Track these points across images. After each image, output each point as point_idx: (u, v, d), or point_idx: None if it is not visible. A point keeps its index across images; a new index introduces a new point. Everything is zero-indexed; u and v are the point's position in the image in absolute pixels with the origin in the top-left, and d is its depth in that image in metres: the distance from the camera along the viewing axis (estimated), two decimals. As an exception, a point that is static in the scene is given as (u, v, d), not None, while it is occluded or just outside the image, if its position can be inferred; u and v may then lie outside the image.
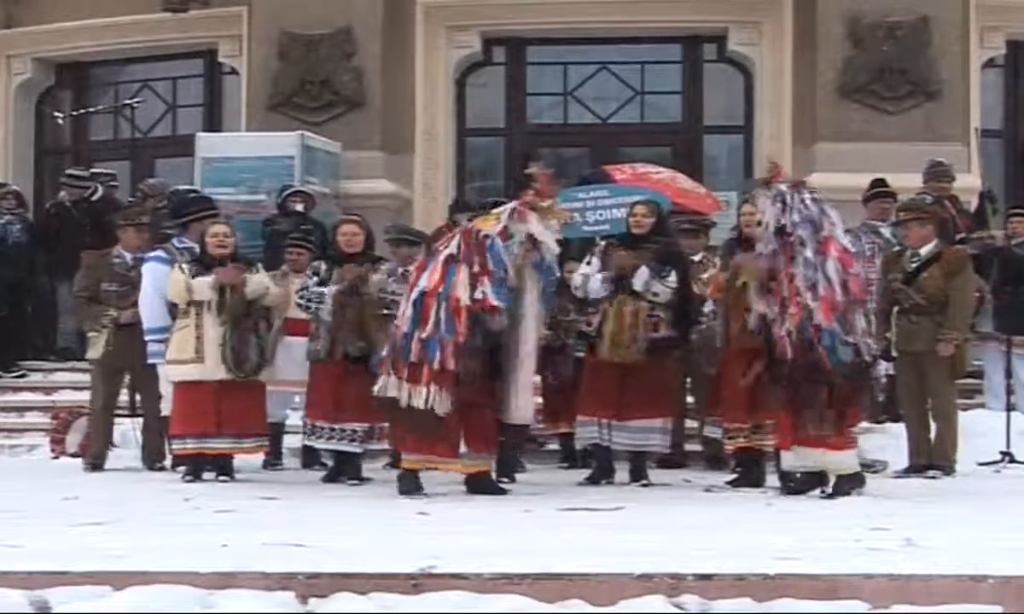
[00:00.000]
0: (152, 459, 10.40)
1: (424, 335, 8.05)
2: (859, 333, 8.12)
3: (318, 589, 4.82)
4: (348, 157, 14.22)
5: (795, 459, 8.31)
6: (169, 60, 16.13)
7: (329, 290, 9.30)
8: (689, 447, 10.58)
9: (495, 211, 8.53)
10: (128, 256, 10.56)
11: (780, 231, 8.12)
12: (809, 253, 8.05)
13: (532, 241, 8.31)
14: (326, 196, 13.76)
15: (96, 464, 10.38)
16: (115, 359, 10.42)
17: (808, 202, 8.19)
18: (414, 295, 8.19)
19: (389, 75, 14.73)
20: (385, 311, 9.13)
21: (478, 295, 8.09)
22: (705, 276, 9.94)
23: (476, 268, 8.14)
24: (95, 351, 10.50)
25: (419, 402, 8.06)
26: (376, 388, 8.26)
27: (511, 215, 8.31)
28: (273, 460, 10.51)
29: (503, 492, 8.54)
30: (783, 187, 8.24)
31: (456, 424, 8.27)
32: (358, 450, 9.47)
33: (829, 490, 8.24)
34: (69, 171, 14.21)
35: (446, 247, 8.31)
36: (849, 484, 8.23)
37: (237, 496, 8.26)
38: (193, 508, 7.64)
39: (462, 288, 8.09)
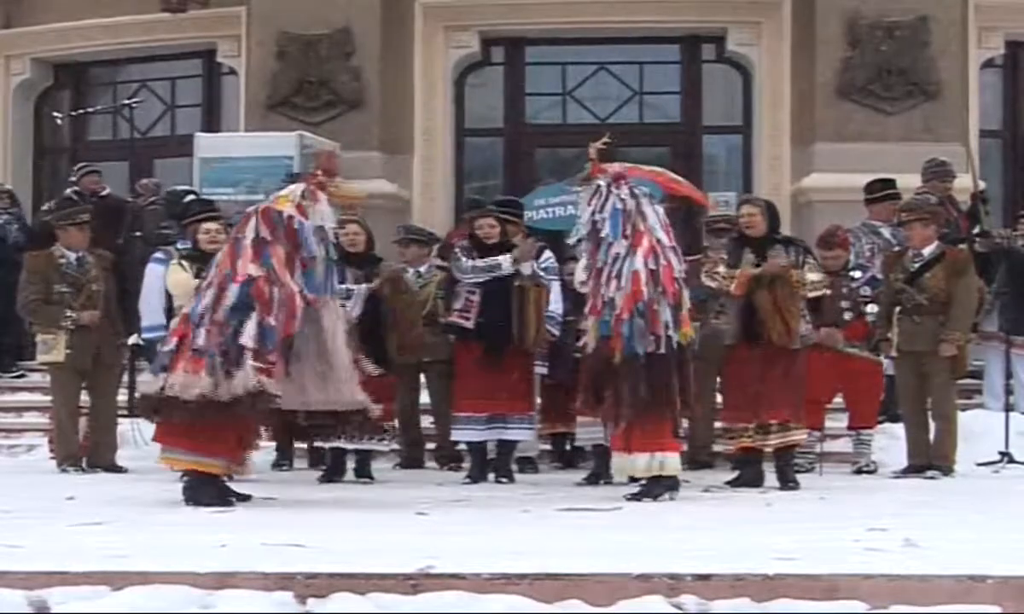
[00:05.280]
0: (107, 460, 10.36)
1: (268, 322, 7.46)
2: (662, 326, 8.01)
3: (317, 589, 4.82)
4: (347, 157, 14.17)
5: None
6: (168, 60, 16.11)
7: (359, 289, 9.32)
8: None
9: (285, 192, 8.04)
10: (72, 256, 10.48)
11: (594, 227, 8.16)
12: (618, 246, 8.04)
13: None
14: (326, 196, 13.74)
15: (77, 466, 10.26)
16: (76, 362, 10.32)
17: (625, 196, 8.20)
18: (241, 280, 7.55)
19: (388, 75, 14.71)
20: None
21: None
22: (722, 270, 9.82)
23: (288, 251, 7.68)
24: (55, 354, 10.35)
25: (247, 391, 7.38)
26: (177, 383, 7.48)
27: (304, 194, 7.89)
28: (281, 461, 10.50)
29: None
30: (601, 182, 8.26)
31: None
32: (384, 448, 9.58)
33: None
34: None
35: (246, 231, 7.73)
36: (658, 488, 8.12)
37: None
38: (192, 508, 7.64)
39: (289, 275, 7.61)
